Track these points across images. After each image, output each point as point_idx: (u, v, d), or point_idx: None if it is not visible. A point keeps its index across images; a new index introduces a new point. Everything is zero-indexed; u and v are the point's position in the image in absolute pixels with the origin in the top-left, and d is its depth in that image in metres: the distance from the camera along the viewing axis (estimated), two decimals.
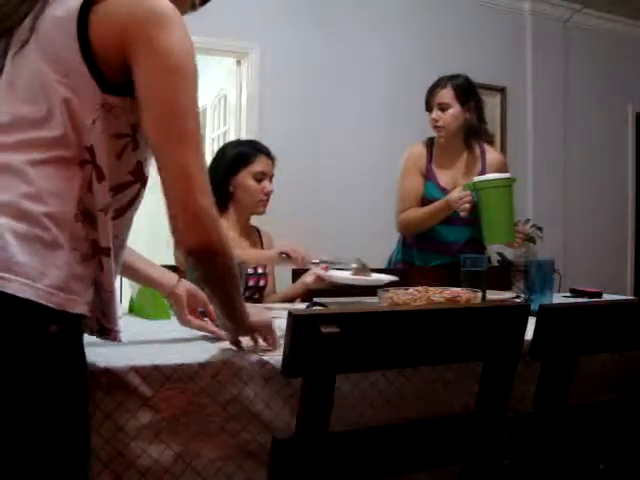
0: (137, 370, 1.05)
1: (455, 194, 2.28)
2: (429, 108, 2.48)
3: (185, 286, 1.35)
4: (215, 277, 1.08)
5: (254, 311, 1.23)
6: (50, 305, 0.90)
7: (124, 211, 1.05)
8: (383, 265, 2.60)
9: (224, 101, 4.86)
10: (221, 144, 4.94)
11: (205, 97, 5.48)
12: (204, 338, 1.33)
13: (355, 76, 4.11)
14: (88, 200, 0.97)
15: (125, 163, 1.02)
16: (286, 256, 1.97)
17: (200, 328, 1.35)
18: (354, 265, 2.05)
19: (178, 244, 1.02)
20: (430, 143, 2.53)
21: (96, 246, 0.99)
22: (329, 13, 4.05)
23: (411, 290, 1.68)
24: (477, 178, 2.26)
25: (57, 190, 0.94)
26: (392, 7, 4.21)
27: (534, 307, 1.19)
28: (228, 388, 1.10)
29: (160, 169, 0.99)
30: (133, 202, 1.07)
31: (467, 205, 2.23)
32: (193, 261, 1.04)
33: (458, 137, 2.47)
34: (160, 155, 0.99)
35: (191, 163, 0.97)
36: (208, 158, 6.33)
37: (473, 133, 2.48)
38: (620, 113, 5.05)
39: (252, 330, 1.20)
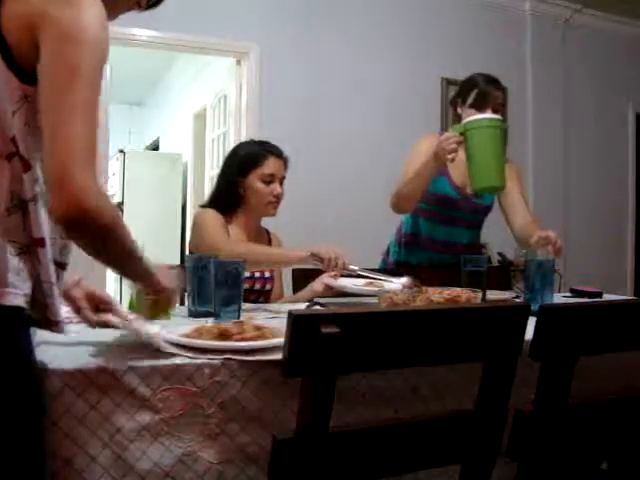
0: (135, 370, 1.04)
1: (442, 137, 2.19)
2: (482, 106, 2.32)
3: (83, 287, 1.24)
4: (96, 248, 1.02)
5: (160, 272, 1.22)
6: None
7: None
8: (378, 266, 2.58)
9: (224, 101, 4.86)
10: (221, 144, 4.96)
11: (205, 97, 5.48)
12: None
13: (355, 76, 4.11)
14: (21, 191, 0.96)
15: None
16: (317, 258, 1.87)
17: (103, 324, 1.24)
18: (404, 280, 1.91)
19: (51, 214, 0.97)
20: None
21: (31, 237, 0.97)
22: (329, 13, 4.05)
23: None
24: (467, 119, 2.18)
25: None
26: (392, 7, 4.21)
27: (534, 307, 1.18)
28: (227, 389, 1.10)
29: (44, 140, 0.93)
30: None
31: (454, 145, 2.13)
32: (68, 232, 0.98)
33: None
34: (45, 123, 0.93)
35: (75, 132, 0.91)
36: (207, 158, 6.24)
37: None
38: (620, 113, 5.05)
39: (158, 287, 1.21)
